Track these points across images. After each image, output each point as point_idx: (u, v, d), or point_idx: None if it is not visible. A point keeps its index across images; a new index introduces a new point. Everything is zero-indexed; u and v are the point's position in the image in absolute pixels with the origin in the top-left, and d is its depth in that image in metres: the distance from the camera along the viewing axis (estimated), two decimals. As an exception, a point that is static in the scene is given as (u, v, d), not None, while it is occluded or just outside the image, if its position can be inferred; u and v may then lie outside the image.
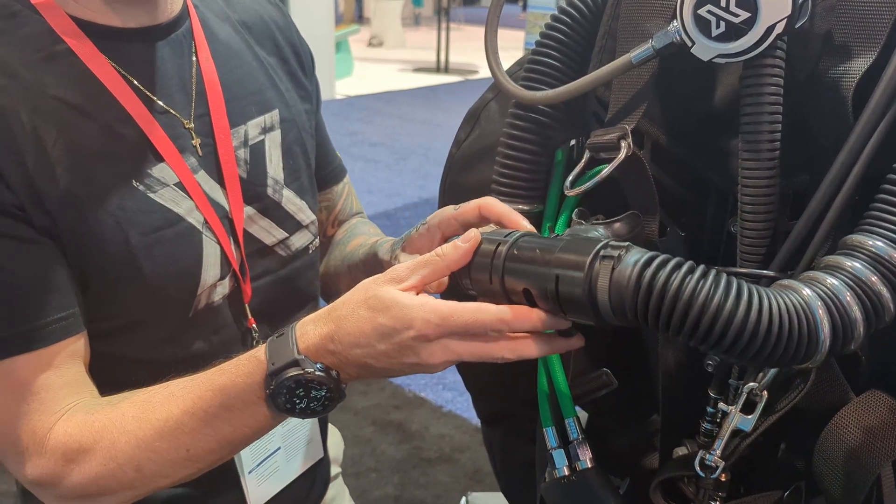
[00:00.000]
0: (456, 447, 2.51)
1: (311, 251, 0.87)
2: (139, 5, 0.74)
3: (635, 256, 0.52)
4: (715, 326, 0.49)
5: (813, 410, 0.61)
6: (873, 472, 0.56)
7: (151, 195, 0.72)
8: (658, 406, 0.77)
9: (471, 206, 0.71)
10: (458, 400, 2.84)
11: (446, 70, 9.34)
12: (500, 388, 0.88)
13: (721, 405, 0.63)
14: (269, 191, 0.82)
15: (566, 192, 0.68)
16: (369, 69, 9.24)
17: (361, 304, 0.61)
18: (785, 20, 0.53)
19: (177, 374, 0.69)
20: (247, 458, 0.83)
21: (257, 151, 0.82)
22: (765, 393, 0.61)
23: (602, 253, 0.54)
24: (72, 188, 0.67)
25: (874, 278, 0.50)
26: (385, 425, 2.61)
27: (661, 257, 0.52)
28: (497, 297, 0.60)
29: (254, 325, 0.81)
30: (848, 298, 0.50)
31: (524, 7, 15.99)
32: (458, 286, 0.64)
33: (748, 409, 0.62)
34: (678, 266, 0.51)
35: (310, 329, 0.63)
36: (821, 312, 0.49)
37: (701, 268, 0.51)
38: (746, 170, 0.58)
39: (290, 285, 0.85)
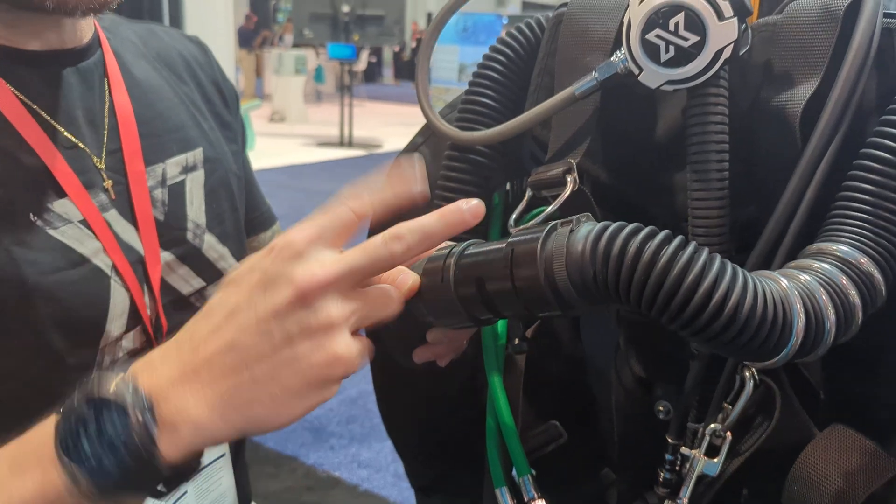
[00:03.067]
0: (375, 527, 2.39)
1: None
2: (43, 23, 0.67)
3: (589, 226, 0.48)
4: (698, 290, 0.43)
5: (776, 449, 0.58)
6: (849, 511, 0.54)
7: (51, 231, 0.65)
8: (608, 459, 0.73)
9: None
10: (374, 478, 2.72)
11: (350, 144, 9.39)
12: (440, 449, 0.82)
13: (683, 450, 0.60)
14: (189, 235, 0.75)
15: (511, 231, 0.65)
16: (272, 144, 9.17)
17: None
18: (732, 45, 0.52)
19: None
20: None
21: (176, 192, 0.75)
22: (728, 434, 0.58)
23: (554, 232, 0.49)
24: None
25: (844, 280, 0.49)
26: (299, 509, 2.47)
27: (618, 223, 0.47)
28: (449, 308, 0.55)
29: None
30: (824, 297, 0.47)
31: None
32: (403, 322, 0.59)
33: (711, 452, 0.59)
34: (638, 230, 0.46)
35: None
36: (798, 305, 0.46)
37: (679, 238, 0.46)
38: (697, 200, 0.57)
39: None
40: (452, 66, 5.14)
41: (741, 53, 0.54)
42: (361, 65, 13.83)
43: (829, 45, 0.53)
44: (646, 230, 0.46)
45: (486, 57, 0.71)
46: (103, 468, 0.44)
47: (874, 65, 0.53)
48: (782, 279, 0.48)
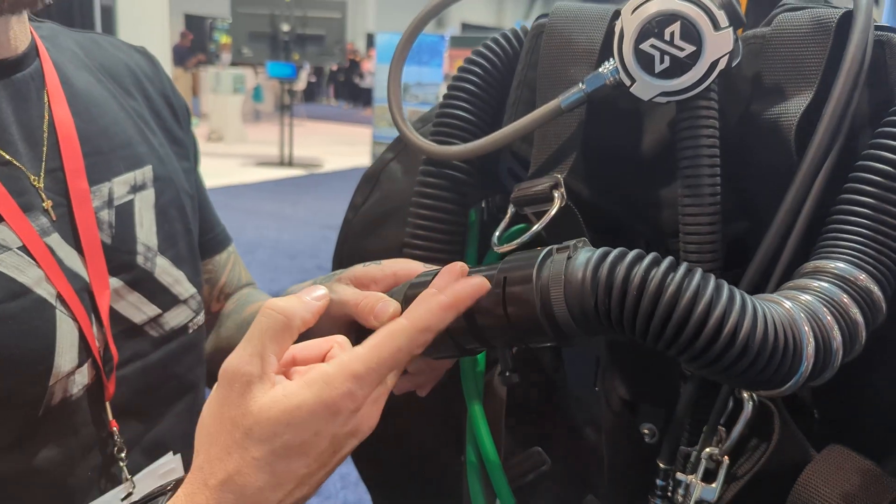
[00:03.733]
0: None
1: (190, 330, 0.74)
2: None
3: (587, 252, 0.45)
4: (709, 321, 0.41)
5: (773, 473, 0.56)
6: (853, 533, 0.52)
7: None
8: (592, 486, 0.71)
9: (386, 273, 0.62)
10: (323, 504, 2.64)
11: (290, 164, 9.27)
12: (412, 482, 0.78)
13: (678, 475, 0.57)
14: (140, 259, 0.69)
15: (495, 248, 0.62)
16: (209, 163, 8.97)
17: (241, 442, 0.44)
18: (727, 56, 0.51)
19: (19, 491, 0.54)
20: None
21: (125, 213, 0.69)
22: (725, 458, 0.56)
23: (550, 258, 0.47)
24: None
25: (845, 298, 0.47)
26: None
27: (619, 249, 0.45)
28: (435, 338, 0.52)
29: (115, 429, 0.67)
30: (828, 318, 0.46)
31: (368, 105, 16.39)
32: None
33: (707, 477, 0.57)
34: (640, 257, 0.44)
35: None
36: (806, 328, 0.44)
37: (684, 266, 0.44)
38: (688, 215, 0.55)
39: (165, 372, 0.71)
40: (396, 85, 5.13)
41: (733, 65, 0.53)
42: (301, 84, 13.71)
43: (823, 58, 0.52)
44: (649, 257, 0.44)
45: (461, 69, 0.68)
46: None
47: (866, 78, 0.52)
48: (785, 301, 0.46)
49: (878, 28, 0.53)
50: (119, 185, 0.70)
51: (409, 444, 0.77)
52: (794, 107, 0.53)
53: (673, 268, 0.43)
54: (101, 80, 0.74)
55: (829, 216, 0.51)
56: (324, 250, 5.57)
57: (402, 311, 0.55)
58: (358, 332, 0.60)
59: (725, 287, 0.43)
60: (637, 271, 0.43)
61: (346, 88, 18.54)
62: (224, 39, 15.47)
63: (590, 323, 0.45)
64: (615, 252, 0.45)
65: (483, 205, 0.72)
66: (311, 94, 17.70)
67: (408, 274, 0.60)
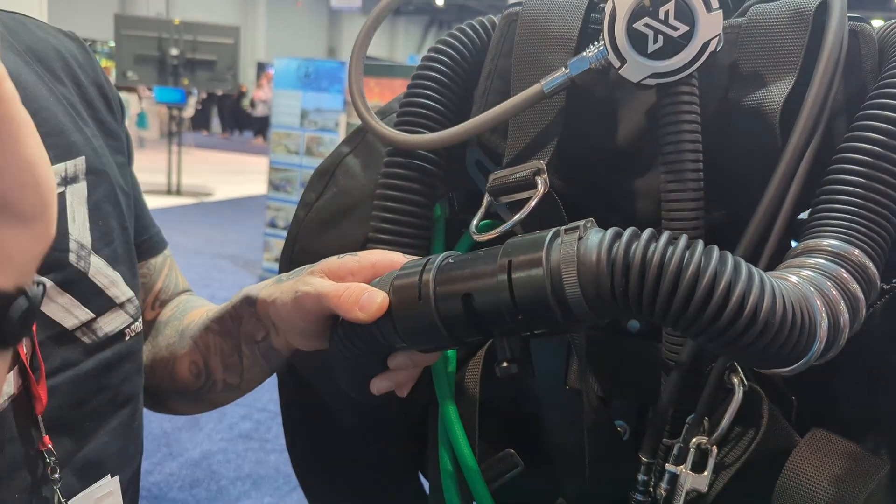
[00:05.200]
0: None
1: (127, 337, 0.67)
2: None
3: (598, 232, 0.44)
4: (731, 298, 0.40)
5: (759, 460, 0.56)
6: (847, 515, 0.52)
7: None
8: (561, 488, 0.69)
9: (364, 265, 0.58)
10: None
11: (178, 192, 8.93)
12: (368, 495, 0.74)
13: (668, 466, 0.56)
14: (73, 258, 0.62)
15: (474, 237, 0.60)
16: (90, 191, 8.51)
17: None
18: (717, 38, 0.51)
19: None
20: None
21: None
22: (714, 448, 0.55)
23: (558, 239, 0.45)
24: None
25: (845, 274, 0.47)
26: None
27: (631, 229, 0.44)
28: (427, 329, 0.49)
29: (50, 447, 0.59)
30: (834, 293, 0.46)
31: (259, 135, 16.03)
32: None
33: (695, 468, 0.56)
34: (655, 237, 0.43)
35: None
36: (818, 303, 0.44)
37: (699, 243, 0.43)
38: (672, 201, 0.55)
39: (98, 383, 0.64)
40: (294, 111, 5.03)
41: (717, 51, 0.53)
42: (189, 111, 13.30)
43: (802, 44, 0.53)
44: (665, 236, 0.43)
45: (427, 58, 0.66)
46: None
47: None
48: (791, 276, 0.46)
49: (850, 18, 0.54)
50: None
51: (362, 452, 0.73)
52: (777, 92, 0.54)
53: (689, 246, 0.42)
54: (28, 63, 0.67)
55: (815, 198, 0.52)
56: (216, 280, 5.36)
57: (392, 302, 0.51)
58: (336, 325, 0.56)
59: (743, 265, 0.42)
60: (654, 251, 0.42)
61: (233, 117, 18.12)
62: (104, 63, 14.84)
63: (604, 305, 0.43)
64: (628, 232, 0.44)
65: (447, 200, 0.70)
66: (198, 122, 17.19)
67: (388, 265, 0.56)
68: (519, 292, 0.45)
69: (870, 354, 0.57)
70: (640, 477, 0.59)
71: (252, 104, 16.67)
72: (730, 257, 0.42)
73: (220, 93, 15.11)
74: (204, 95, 14.81)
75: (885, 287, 0.55)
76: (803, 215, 0.55)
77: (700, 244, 0.42)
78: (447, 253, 0.52)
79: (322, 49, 21.84)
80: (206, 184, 9.63)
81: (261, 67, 19.29)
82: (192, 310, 0.77)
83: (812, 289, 0.45)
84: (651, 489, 0.59)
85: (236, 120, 18.19)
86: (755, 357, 0.43)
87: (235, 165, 11.90)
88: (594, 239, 0.44)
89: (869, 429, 0.56)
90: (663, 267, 0.41)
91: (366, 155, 0.71)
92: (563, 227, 0.46)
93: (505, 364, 0.49)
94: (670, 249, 0.42)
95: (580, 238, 0.44)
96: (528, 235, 0.47)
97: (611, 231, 0.44)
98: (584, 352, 0.62)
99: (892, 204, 0.49)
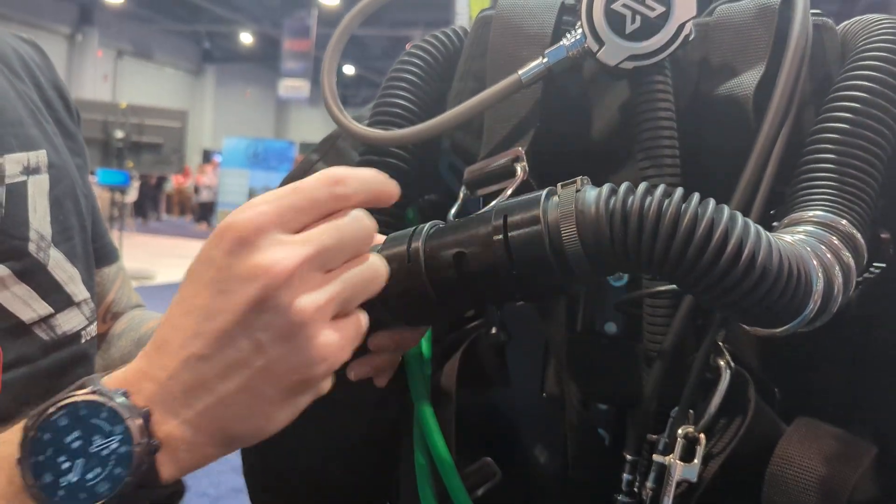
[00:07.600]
0: None
1: (83, 340, 0.63)
2: None
3: (595, 188, 0.44)
4: (728, 245, 0.40)
5: (746, 448, 0.54)
6: (841, 498, 0.50)
7: None
8: (538, 497, 0.66)
9: None
10: None
11: (118, 276, 8.71)
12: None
13: (656, 457, 0.54)
14: (32, 247, 0.59)
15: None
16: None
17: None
18: (692, 21, 0.52)
19: None
20: None
21: (17, 194, 0.59)
22: (702, 436, 0.54)
23: (553, 198, 0.45)
24: None
25: (836, 241, 0.47)
26: None
27: (626, 184, 0.44)
28: (417, 297, 0.47)
29: None
30: (829, 256, 0.46)
31: (204, 221, 15.87)
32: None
33: (686, 458, 0.54)
34: (651, 189, 0.43)
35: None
36: (815, 262, 0.44)
37: (696, 195, 0.43)
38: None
39: (53, 384, 0.59)
40: (242, 189, 5.03)
41: (690, 39, 0.55)
42: (132, 196, 13.12)
43: (770, 35, 0.55)
44: (660, 188, 0.43)
45: (401, 61, 0.66)
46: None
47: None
48: (786, 236, 0.46)
49: (812, 14, 0.57)
50: (11, 164, 0.59)
51: (330, 456, 0.69)
52: (748, 80, 0.55)
53: (685, 198, 0.42)
54: None
55: (793, 178, 0.53)
56: (156, 362, 5.16)
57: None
58: None
59: (739, 216, 0.42)
60: (651, 201, 0.42)
61: (179, 207, 17.95)
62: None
63: (604, 257, 0.43)
64: (624, 185, 0.44)
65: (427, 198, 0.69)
66: (141, 208, 16.97)
67: None
68: (516, 251, 0.44)
69: (848, 344, 0.57)
70: (625, 476, 0.57)
71: (196, 190, 16.57)
72: (726, 208, 0.42)
73: (166, 175, 15.00)
74: (153, 181, 14.61)
75: (859, 281, 0.56)
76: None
77: (696, 196, 0.42)
78: (433, 222, 0.50)
79: (270, 130, 22.00)
80: (147, 267, 9.42)
81: (206, 155, 19.29)
82: (149, 321, 0.73)
83: (808, 248, 0.45)
84: (636, 489, 0.57)
85: (180, 205, 18.00)
86: (750, 310, 0.42)
87: (179, 250, 11.69)
88: (591, 194, 0.43)
89: (851, 417, 0.56)
90: (661, 215, 0.41)
91: (336, 161, 0.70)
92: (560, 184, 0.46)
93: (494, 330, 0.47)
94: (667, 200, 0.42)
95: (577, 191, 0.44)
96: (518, 198, 0.47)
97: (606, 186, 0.44)
98: (564, 351, 0.61)
99: (871, 179, 0.50)
